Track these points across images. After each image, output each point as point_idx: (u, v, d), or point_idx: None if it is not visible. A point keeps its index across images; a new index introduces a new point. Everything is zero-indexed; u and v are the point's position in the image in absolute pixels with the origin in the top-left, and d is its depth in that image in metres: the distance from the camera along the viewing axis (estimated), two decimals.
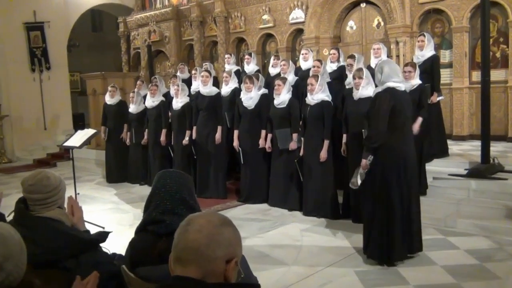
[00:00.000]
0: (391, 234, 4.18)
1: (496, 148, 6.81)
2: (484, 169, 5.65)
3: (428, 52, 6.49)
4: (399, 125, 4.12)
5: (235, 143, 6.64)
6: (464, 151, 6.98)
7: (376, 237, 4.22)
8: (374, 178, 4.19)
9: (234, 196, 6.92)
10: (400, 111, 4.10)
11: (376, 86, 4.41)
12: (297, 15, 10.45)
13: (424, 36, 6.55)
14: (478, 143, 6.44)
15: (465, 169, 5.88)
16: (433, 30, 8.68)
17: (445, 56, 8.48)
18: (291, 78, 6.84)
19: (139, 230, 2.16)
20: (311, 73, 6.80)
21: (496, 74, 7.75)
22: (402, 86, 4.21)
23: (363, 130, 5.07)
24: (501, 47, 8.05)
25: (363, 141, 4.40)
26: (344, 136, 5.53)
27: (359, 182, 4.30)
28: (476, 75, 8.03)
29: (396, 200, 4.15)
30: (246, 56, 8.30)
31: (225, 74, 7.45)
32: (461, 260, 4.29)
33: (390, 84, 4.11)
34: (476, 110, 8.01)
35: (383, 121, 4.03)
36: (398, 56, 8.73)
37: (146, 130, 8.04)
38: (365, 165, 4.20)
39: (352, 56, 6.17)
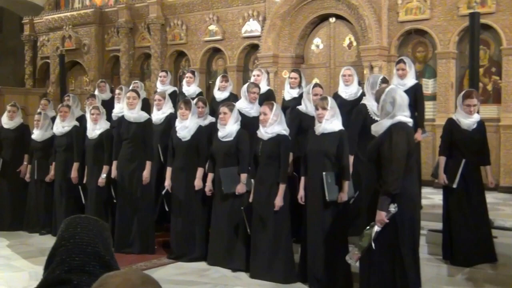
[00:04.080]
0: None
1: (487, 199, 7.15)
2: None
3: (410, 80, 6.69)
4: (413, 166, 4.43)
5: (167, 182, 6.68)
6: None
7: None
8: (389, 234, 4.35)
9: (164, 251, 6.90)
10: (413, 150, 4.44)
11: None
12: (252, 27, 10.80)
13: (405, 63, 6.72)
14: None
15: None
16: (414, 54, 9.17)
17: (427, 86, 8.93)
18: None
19: None
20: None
21: (487, 111, 8.22)
22: (411, 121, 4.52)
23: (324, 174, 5.27)
24: (493, 79, 8.58)
25: (379, 187, 4.39)
26: (302, 179, 5.68)
27: (373, 245, 4.30)
28: None
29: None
30: (188, 75, 8.38)
31: (157, 96, 7.54)
32: None
33: (402, 118, 4.36)
34: None
35: (402, 163, 4.26)
36: None
37: (53, 163, 7.96)
38: (383, 218, 4.27)
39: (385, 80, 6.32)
